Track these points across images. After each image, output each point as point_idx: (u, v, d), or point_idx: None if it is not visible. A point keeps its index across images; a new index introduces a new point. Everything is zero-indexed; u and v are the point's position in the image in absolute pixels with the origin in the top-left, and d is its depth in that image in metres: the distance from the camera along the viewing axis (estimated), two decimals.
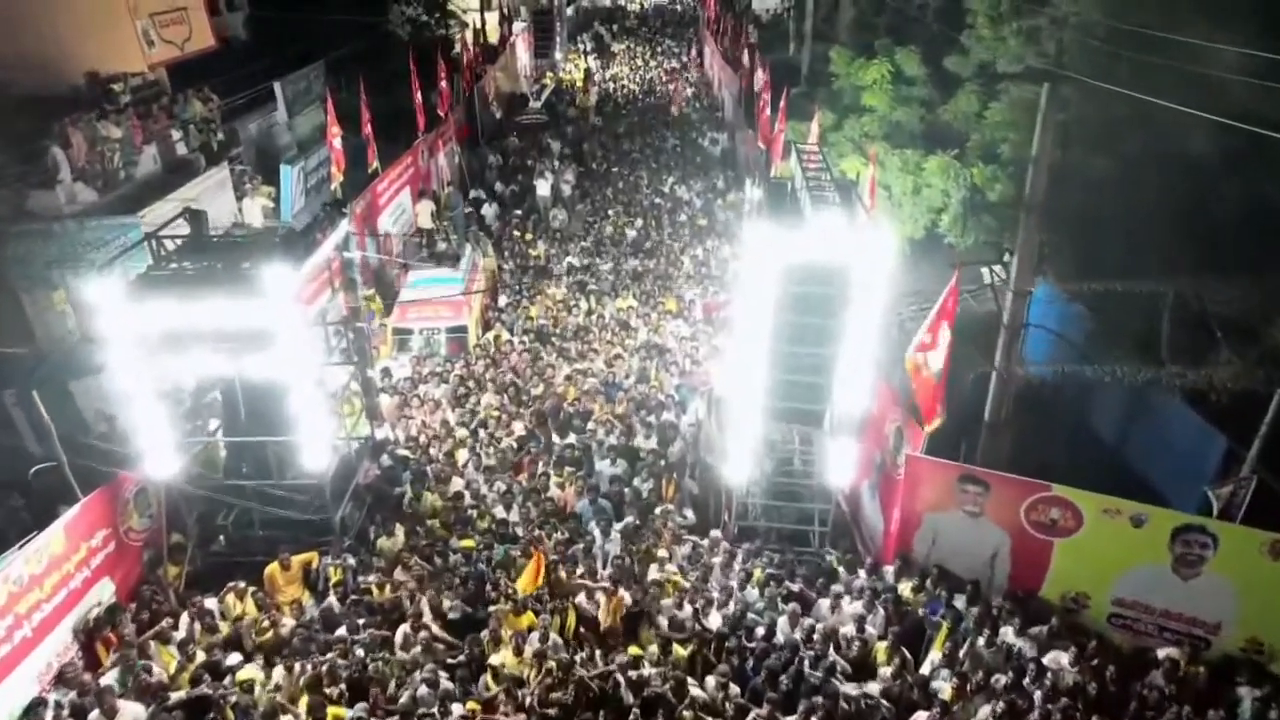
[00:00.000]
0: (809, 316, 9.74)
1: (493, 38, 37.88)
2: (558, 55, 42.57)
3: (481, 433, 13.13)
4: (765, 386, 10.14)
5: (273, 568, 10.01)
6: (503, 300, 18.06)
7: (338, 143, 16.67)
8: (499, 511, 11.67)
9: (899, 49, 16.63)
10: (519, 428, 13.52)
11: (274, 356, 9.02)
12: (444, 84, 23.85)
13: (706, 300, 17.50)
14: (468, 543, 10.80)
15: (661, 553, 10.74)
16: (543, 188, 22.76)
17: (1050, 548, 9.52)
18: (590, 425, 13.42)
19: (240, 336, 8.95)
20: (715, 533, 11.18)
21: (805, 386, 10.36)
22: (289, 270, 9.01)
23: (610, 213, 23.08)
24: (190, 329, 8.88)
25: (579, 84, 39.63)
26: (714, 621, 9.61)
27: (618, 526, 11.19)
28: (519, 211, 22.85)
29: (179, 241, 10.28)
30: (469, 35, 34.28)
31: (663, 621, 9.47)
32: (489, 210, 19.68)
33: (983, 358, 11.75)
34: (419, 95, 21.74)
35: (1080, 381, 11.14)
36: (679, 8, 64.38)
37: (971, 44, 15.65)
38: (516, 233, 21.54)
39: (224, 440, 9.99)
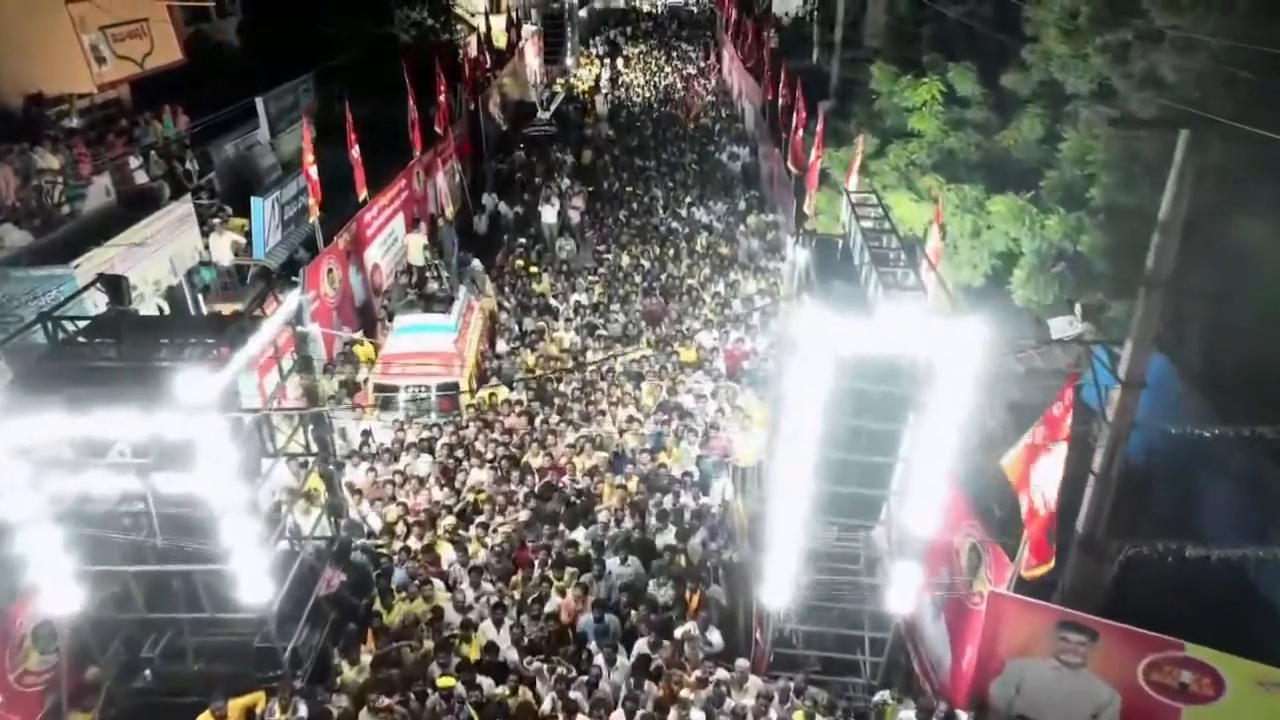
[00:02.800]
0: (866, 419, 7.82)
1: (500, 42, 35.98)
2: (569, 61, 40.65)
3: (471, 529, 11.19)
4: (808, 497, 8.20)
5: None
6: (501, 345, 16.12)
7: (314, 171, 14.77)
8: (487, 629, 9.77)
9: (952, 65, 14.59)
10: (514, 513, 11.59)
11: (197, 473, 7.15)
12: (442, 97, 21.94)
13: (730, 348, 15.51)
14: (447, 680, 8.87)
15: (685, 693, 8.81)
16: (549, 214, 20.78)
17: (1176, 715, 7.55)
18: (601, 514, 11.46)
19: (153, 450, 7.12)
20: (743, 663, 9.22)
21: (856, 499, 8.47)
22: (218, 364, 7.14)
23: (624, 237, 21.12)
24: (87, 442, 7.07)
25: (589, 92, 37.78)
26: None
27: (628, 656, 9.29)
28: (523, 240, 20.90)
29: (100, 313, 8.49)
30: (475, 40, 32.41)
31: None
32: (477, 264, 17.78)
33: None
34: (414, 110, 19.85)
35: (1199, 474, 9.12)
36: (694, 9, 62.43)
37: (1034, 59, 13.65)
38: (520, 263, 19.61)
39: (138, 570, 8.07)
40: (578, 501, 11.83)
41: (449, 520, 11.40)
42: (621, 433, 13.27)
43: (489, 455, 12.73)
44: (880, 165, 14.61)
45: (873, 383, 7.55)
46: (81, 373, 7.20)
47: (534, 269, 19.21)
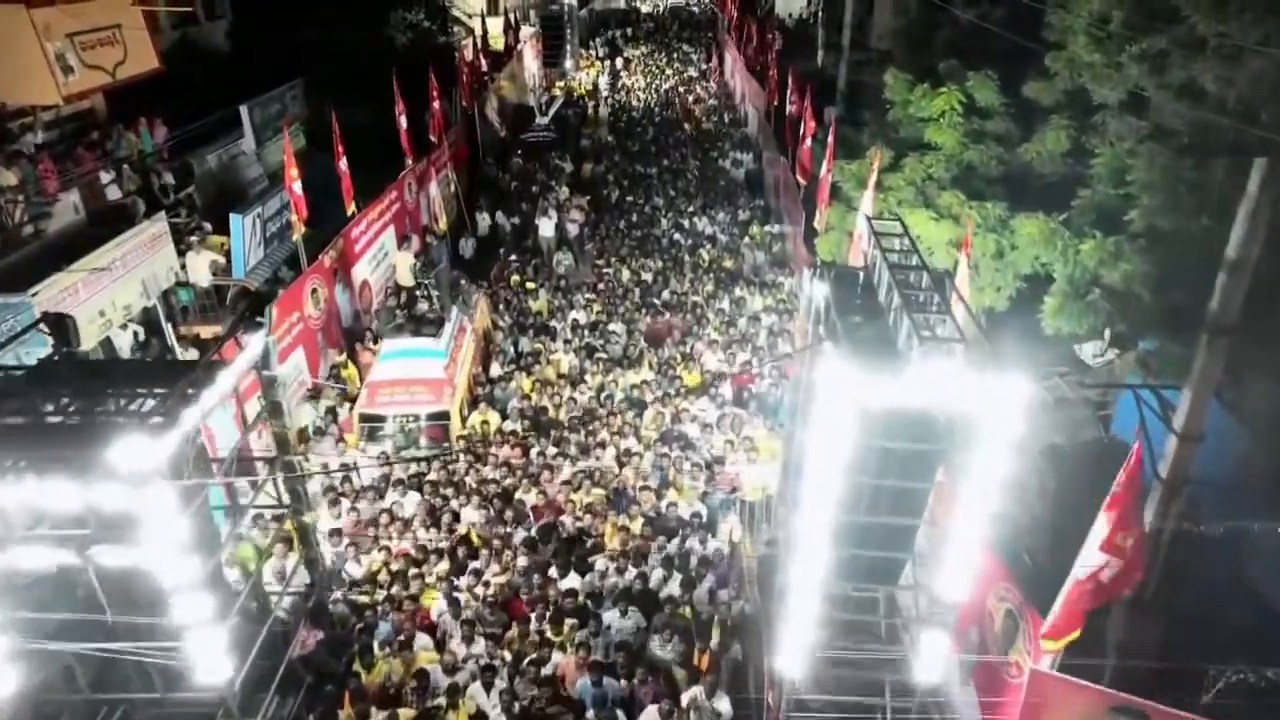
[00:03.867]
0: (891, 479, 7.01)
1: (497, 45, 35.16)
2: (568, 64, 39.79)
3: (463, 578, 10.37)
4: (824, 562, 7.40)
5: None
6: (495, 368, 15.28)
7: (297, 187, 13.97)
8: (476, 693, 8.97)
9: (971, 74, 13.74)
10: (509, 558, 10.78)
11: (142, 545, 6.36)
12: (435, 104, 21.12)
13: (736, 372, 14.68)
14: None
15: None
16: (546, 227, 19.96)
17: None
18: (599, 561, 10.65)
19: (92, 520, 6.33)
20: None
21: (876, 562, 7.68)
22: (165, 423, 6.34)
23: (624, 250, 20.27)
24: (20, 510, 6.29)
25: (589, 95, 37.00)
26: None
27: None
28: (516, 257, 19.98)
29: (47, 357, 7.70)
30: (473, 43, 31.61)
31: None
32: (469, 283, 16.99)
33: (1085, 485, 8.97)
34: (404, 120, 19.07)
35: (1255, 529, 8.31)
36: (695, 10, 61.67)
37: (1058, 67, 12.82)
38: (516, 278, 18.78)
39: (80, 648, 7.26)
40: (583, 542, 11.06)
41: (441, 566, 10.60)
42: (621, 466, 12.44)
43: (482, 491, 11.94)
44: (896, 180, 13.75)
45: (900, 440, 6.74)
46: (8, 432, 6.39)
47: (530, 285, 18.38)
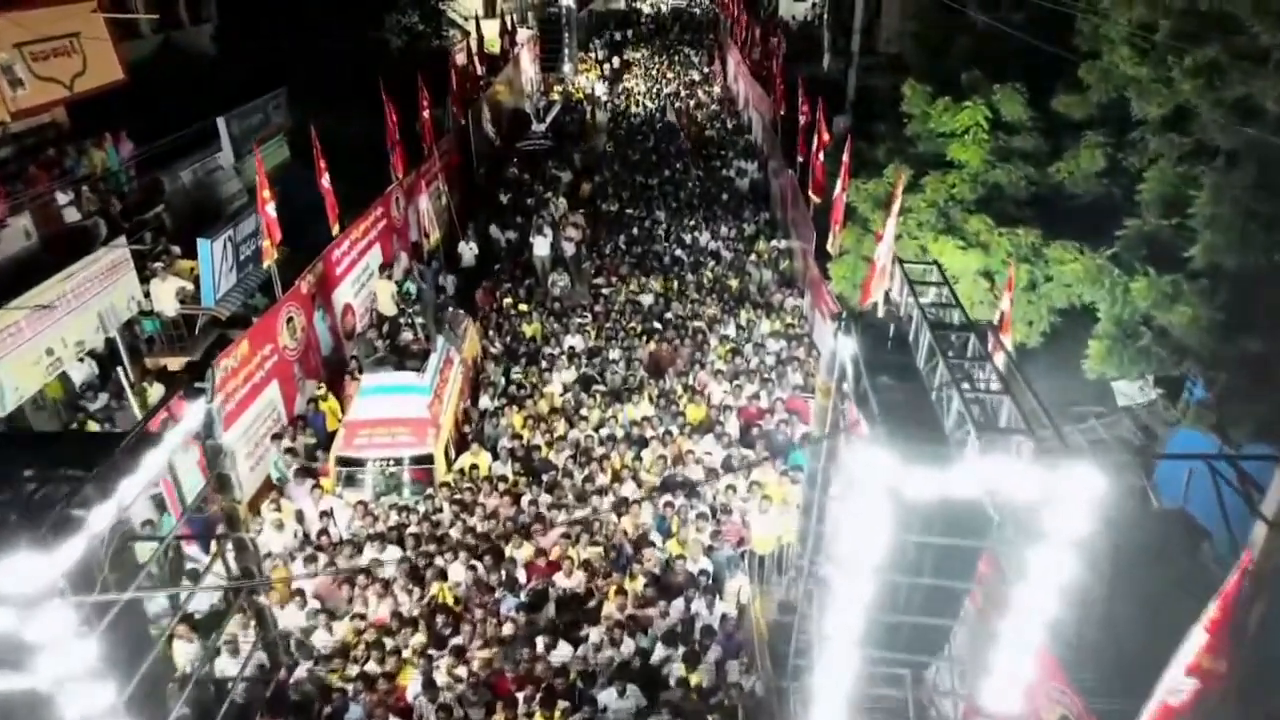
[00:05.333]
0: (926, 576, 6.00)
1: (493, 48, 34.12)
2: (567, 67, 38.76)
3: (444, 658, 9.32)
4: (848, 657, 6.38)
5: None
6: (485, 400, 14.24)
7: (271, 209, 12.97)
8: None
9: (997, 86, 12.72)
10: (495, 628, 9.76)
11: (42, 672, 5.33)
12: (426, 112, 20.11)
13: (744, 405, 13.64)
14: None
15: None
16: (541, 246, 18.89)
17: None
18: (593, 632, 9.60)
19: None
20: None
21: (902, 664, 6.70)
22: (68, 525, 5.33)
23: (623, 269, 19.21)
24: None
25: (587, 99, 35.99)
26: None
27: None
28: (509, 282, 18.88)
29: None
30: (468, 47, 30.58)
31: None
32: (456, 310, 15.86)
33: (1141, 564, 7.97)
34: (395, 131, 18.05)
35: None
36: (696, 11, 60.65)
37: (1092, 79, 11.82)
38: (507, 300, 17.72)
39: None
40: (580, 606, 10.07)
41: (418, 639, 9.55)
42: (620, 515, 11.40)
43: (468, 543, 10.90)
44: (916, 200, 12.71)
45: (938, 534, 5.73)
46: None
47: (523, 307, 17.32)
